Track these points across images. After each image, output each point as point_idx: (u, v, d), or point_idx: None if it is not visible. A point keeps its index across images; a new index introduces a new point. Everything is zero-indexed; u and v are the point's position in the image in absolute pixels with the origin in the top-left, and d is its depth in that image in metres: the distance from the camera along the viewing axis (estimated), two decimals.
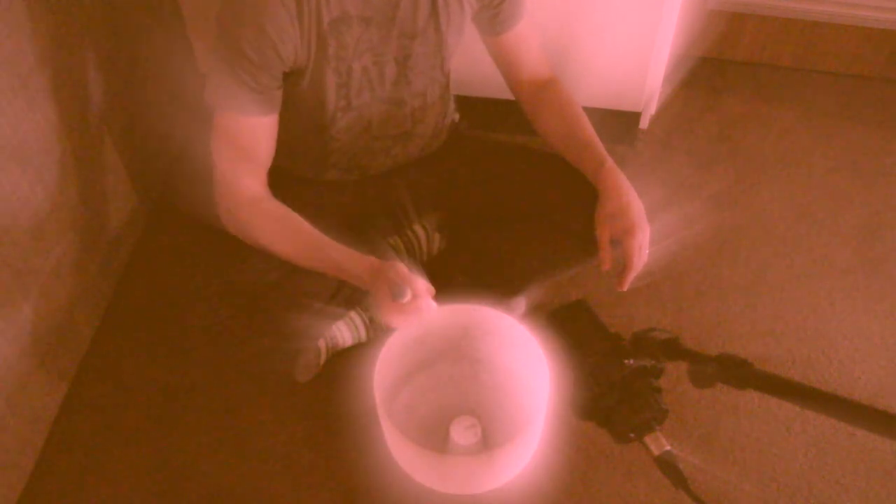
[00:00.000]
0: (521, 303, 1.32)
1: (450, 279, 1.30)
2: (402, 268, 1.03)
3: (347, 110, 1.17)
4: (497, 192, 1.31)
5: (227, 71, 1.04)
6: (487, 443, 1.25)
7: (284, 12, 1.01)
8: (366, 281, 1.07)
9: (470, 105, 1.49)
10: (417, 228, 1.34)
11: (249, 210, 1.13)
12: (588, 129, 1.23)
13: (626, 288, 1.19)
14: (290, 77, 1.11)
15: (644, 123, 1.88)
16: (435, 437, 1.26)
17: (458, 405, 1.29)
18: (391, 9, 1.09)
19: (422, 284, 1.03)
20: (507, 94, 1.32)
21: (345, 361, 1.34)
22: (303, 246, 1.12)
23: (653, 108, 1.86)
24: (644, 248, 1.16)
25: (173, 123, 1.76)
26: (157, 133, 1.68)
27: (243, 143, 1.11)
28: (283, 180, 1.29)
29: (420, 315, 1.02)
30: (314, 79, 1.11)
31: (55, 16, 1.27)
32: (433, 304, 1.03)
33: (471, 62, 1.40)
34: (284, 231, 1.13)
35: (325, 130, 1.19)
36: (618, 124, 1.83)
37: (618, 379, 0.85)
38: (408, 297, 1.01)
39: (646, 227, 1.16)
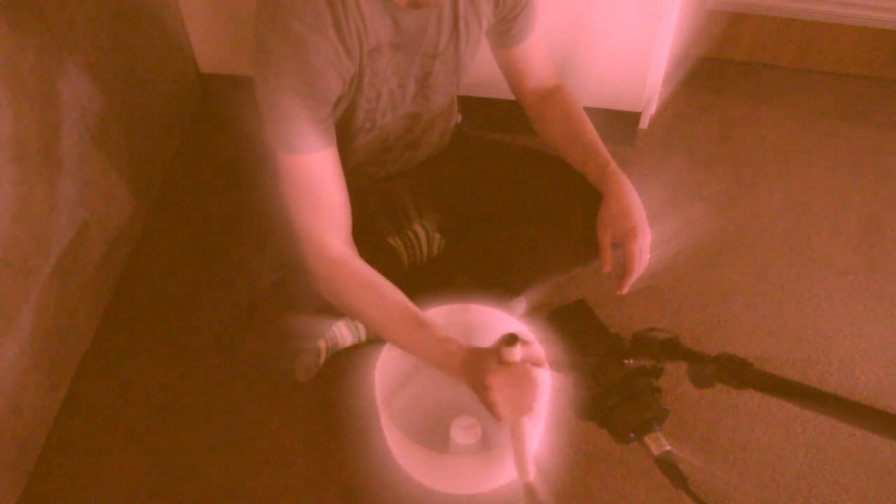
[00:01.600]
0: (522, 303, 1.33)
1: (450, 279, 1.30)
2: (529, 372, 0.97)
3: (370, 131, 1.16)
4: (498, 193, 1.31)
5: (281, 114, 1.00)
6: (487, 443, 1.25)
7: (330, 46, 0.98)
8: (457, 374, 1.00)
9: (470, 105, 1.49)
10: (418, 228, 1.34)
11: (341, 270, 1.06)
12: (591, 133, 1.23)
13: (626, 291, 1.19)
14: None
15: (644, 123, 1.88)
16: (435, 437, 1.27)
17: (458, 405, 1.29)
18: (420, 34, 1.08)
19: (536, 349, 0.99)
20: (508, 95, 1.32)
21: (345, 361, 1.34)
22: (399, 323, 1.05)
23: (653, 108, 1.86)
24: (645, 251, 1.16)
25: (173, 123, 1.76)
26: (157, 133, 1.68)
27: (314, 185, 1.05)
28: None
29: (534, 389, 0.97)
30: (348, 107, 1.09)
31: (55, 16, 1.27)
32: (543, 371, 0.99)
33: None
34: (382, 303, 1.05)
35: (343, 146, 1.16)
36: (618, 124, 1.83)
37: (618, 379, 0.85)
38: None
39: (647, 230, 1.16)
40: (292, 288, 1.18)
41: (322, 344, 1.31)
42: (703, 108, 1.96)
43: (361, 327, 1.34)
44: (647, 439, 0.83)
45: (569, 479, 1.29)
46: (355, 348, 1.36)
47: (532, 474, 1.04)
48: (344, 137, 1.16)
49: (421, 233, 1.34)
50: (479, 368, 0.97)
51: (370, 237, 1.31)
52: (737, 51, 2.06)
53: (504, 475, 1.21)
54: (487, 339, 1.26)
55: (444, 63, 1.15)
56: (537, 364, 0.98)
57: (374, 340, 1.36)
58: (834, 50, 2.01)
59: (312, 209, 1.06)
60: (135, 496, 1.27)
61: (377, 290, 1.05)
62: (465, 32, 1.13)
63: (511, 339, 0.94)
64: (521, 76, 1.27)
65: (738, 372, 0.73)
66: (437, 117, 1.25)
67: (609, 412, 0.85)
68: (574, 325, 0.93)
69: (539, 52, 1.25)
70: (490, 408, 0.97)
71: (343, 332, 1.33)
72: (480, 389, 0.96)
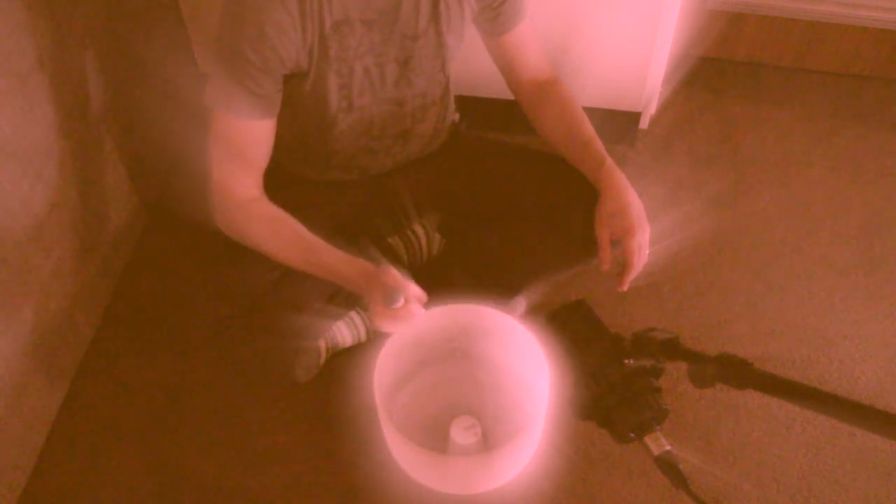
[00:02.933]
0: (521, 303, 1.32)
1: (450, 279, 1.30)
2: (395, 273, 1.03)
3: (349, 111, 1.17)
4: (497, 192, 1.31)
5: (227, 73, 1.04)
6: (487, 443, 1.25)
7: (286, 15, 1.01)
8: (359, 285, 1.08)
9: (470, 105, 1.49)
10: (417, 228, 1.34)
11: (243, 211, 1.13)
12: (588, 128, 1.23)
13: (625, 288, 1.19)
14: (292, 80, 1.10)
15: (644, 123, 1.88)
16: (435, 437, 1.26)
17: (458, 405, 1.29)
18: (393, 11, 1.09)
19: (414, 290, 1.04)
20: (507, 94, 1.32)
21: (345, 361, 1.34)
22: (296, 248, 1.12)
23: (653, 108, 1.86)
24: (644, 247, 1.16)
25: (173, 123, 1.76)
26: (157, 133, 1.68)
27: (240, 146, 1.11)
28: (284, 180, 1.29)
29: (411, 321, 1.03)
30: (316, 81, 1.11)
31: (55, 16, 1.27)
32: (422, 310, 1.05)
33: (471, 62, 1.40)
34: (278, 233, 1.13)
35: (326, 132, 1.19)
36: (618, 124, 1.83)
37: (618, 379, 0.85)
38: (400, 302, 1.02)
39: (646, 226, 1.16)
40: (292, 287, 1.18)
41: (322, 344, 1.31)
42: (703, 108, 1.96)
43: (361, 327, 1.34)
44: (647, 439, 0.83)
45: (569, 479, 1.29)
46: (355, 348, 1.36)
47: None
48: (325, 122, 1.17)
49: (420, 232, 1.34)
50: (370, 299, 1.05)
51: (370, 237, 1.31)
52: (737, 51, 2.06)
53: (504, 475, 1.21)
54: (487, 339, 1.26)
55: (426, 46, 1.15)
56: (416, 300, 1.05)
57: (375, 340, 1.36)
58: (834, 50, 2.00)
59: (231, 162, 1.12)
60: (135, 496, 1.27)
61: (285, 225, 1.12)
62: (445, 14, 1.13)
63: (393, 299, 1.01)
64: (514, 68, 1.27)
65: (738, 372, 0.73)
66: (427, 107, 1.24)
67: (609, 412, 0.85)
68: (574, 325, 0.93)
69: (531, 42, 1.25)
70: (371, 318, 1.11)
71: (343, 332, 1.33)
72: (369, 309, 1.07)
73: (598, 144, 1.21)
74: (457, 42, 1.19)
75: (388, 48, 1.12)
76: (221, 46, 1.04)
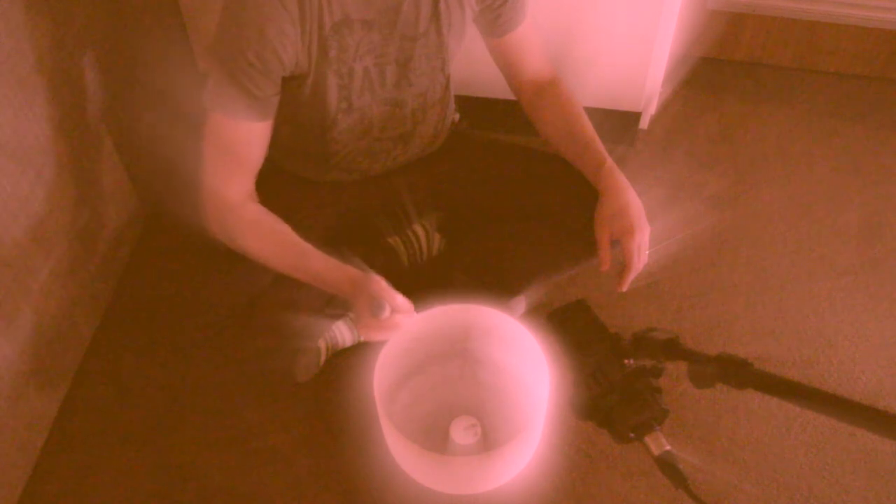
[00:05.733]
0: (521, 303, 1.32)
1: (450, 279, 1.30)
2: (382, 282, 1.02)
3: (349, 112, 1.17)
4: (497, 192, 1.31)
5: (225, 74, 1.03)
6: (487, 443, 1.25)
7: (286, 16, 1.01)
8: (347, 292, 1.07)
9: (470, 105, 1.49)
10: (417, 228, 1.34)
11: (234, 213, 1.12)
12: (588, 128, 1.23)
13: (625, 288, 1.19)
14: (292, 82, 1.10)
15: (644, 123, 1.88)
16: (435, 437, 1.26)
17: (458, 405, 1.29)
18: (393, 12, 1.09)
19: (401, 301, 1.03)
20: (507, 94, 1.32)
21: (345, 361, 1.34)
22: (284, 253, 1.11)
23: (653, 108, 1.86)
24: (644, 248, 1.16)
25: (173, 124, 1.76)
26: (156, 133, 1.68)
27: (234, 148, 1.10)
28: (284, 181, 1.29)
29: (397, 331, 1.02)
30: (316, 82, 1.11)
31: (54, 16, 1.27)
32: (410, 320, 1.04)
33: (471, 62, 1.40)
34: (267, 237, 1.12)
35: (326, 132, 1.19)
36: (618, 124, 1.83)
37: (618, 379, 0.85)
38: (387, 312, 1.01)
39: (645, 227, 1.16)
40: (292, 288, 1.18)
41: (322, 344, 1.31)
42: (703, 108, 1.96)
43: None
44: (647, 439, 0.83)
45: (569, 479, 1.29)
46: (355, 348, 1.36)
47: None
48: (325, 122, 1.17)
49: (420, 232, 1.34)
50: (357, 308, 1.04)
51: (370, 237, 1.31)
52: (737, 51, 2.06)
53: (504, 475, 1.21)
54: (487, 339, 1.26)
55: (426, 47, 1.15)
56: (401, 311, 1.03)
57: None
58: (834, 50, 2.01)
59: (224, 165, 1.11)
60: (135, 496, 1.27)
61: (274, 230, 1.11)
62: (446, 14, 1.13)
63: (378, 310, 1.00)
64: (515, 68, 1.27)
65: (738, 372, 0.73)
66: (427, 108, 1.24)
67: (609, 412, 0.85)
68: (574, 325, 0.93)
69: (532, 42, 1.25)
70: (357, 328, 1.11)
71: (343, 332, 1.33)
72: (355, 319, 1.06)
73: (599, 145, 1.21)
74: (457, 42, 1.19)
75: (388, 49, 1.12)
76: (220, 48, 1.04)
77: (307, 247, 1.10)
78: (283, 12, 1.00)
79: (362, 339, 1.06)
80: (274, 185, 1.18)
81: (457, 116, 1.41)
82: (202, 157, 1.11)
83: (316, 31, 1.04)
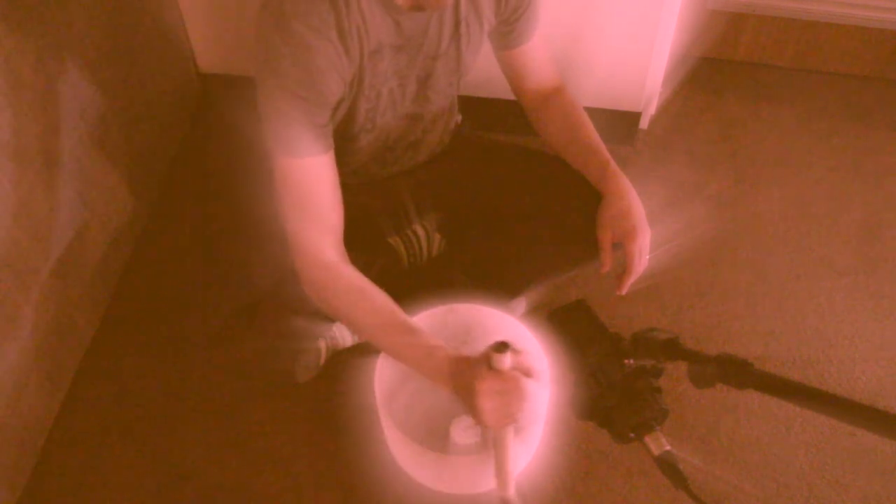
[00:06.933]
0: (522, 303, 1.33)
1: (450, 279, 1.30)
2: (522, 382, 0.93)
3: (371, 130, 1.17)
4: (498, 193, 1.31)
5: (282, 114, 1.00)
6: (487, 443, 1.25)
7: (332, 48, 0.98)
8: (446, 372, 0.98)
9: (470, 105, 1.49)
10: (418, 228, 1.34)
11: (329, 272, 1.06)
12: (592, 134, 1.23)
13: (624, 292, 1.18)
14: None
15: (644, 123, 1.88)
16: (435, 437, 1.26)
17: (458, 405, 1.29)
18: (421, 35, 1.08)
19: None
20: (508, 95, 1.32)
21: (345, 361, 1.34)
22: (381, 323, 1.05)
23: (653, 108, 1.86)
24: (645, 251, 1.16)
25: (173, 124, 1.76)
26: (156, 133, 1.68)
27: (308, 189, 1.05)
28: None
29: (531, 385, 0.94)
30: (349, 108, 1.09)
31: (55, 15, 1.27)
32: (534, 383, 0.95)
33: None
34: (361, 303, 1.05)
35: (344, 146, 1.17)
36: (618, 124, 1.83)
37: (618, 379, 0.85)
38: (507, 359, 0.92)
39: (647, 230, 1.16)
40: (292, 288, 1.18)
41: (322, 344, 1.31)
42: (703, 108, 1.96)
43: None
44: (647, 439, 0.83)
45: (569, 479, 1.29)
46: (355, 348, 1.36)
47: (511, 489, 1.01)
48: (346, 139, 1.16)
49: (421, 232, 1.34)
50: (468, 374, 0.94)
51: (370, 237, 1.31)
52: (737, 51, 2.06)
53: None
54: (487, 340, 1.26)
55: (445, 64, 1.15)
56: (527, 374, 0.95)
57: None
58: (834, 50, 2.01)
59: (305, 214, 1.06)
60: (135, 496, 1.27)
61: (366, 295, 1.04)
62: (466, 34, 1.13)
63: (501, 347, 0.92)
64: (522, 77, 1.27)
65: (738, 372, 0.73)
66: (437, 118, 1.25)
67: (609, 412, 0.85)
68: (574, 325, 0.93)
69: (541, 53, 1.25)
70: (476, 414, 0.95)
71: (343, 332, 1.33)
72: (467, 395, 0.94)
73: (603, 149, 1.21)
74: (473, 57, 1.19)
75: (412, 69, 1.12)
76: (269, 90, 0.99)
77: (412, 323, 1.03)
78: (330, 46, 0.98)
79: (489, 426, 0.96)
80: None
81: (459, 117, 1.41)
82: (282, 211, 1.06)
83: (357, 60, 1.03)
